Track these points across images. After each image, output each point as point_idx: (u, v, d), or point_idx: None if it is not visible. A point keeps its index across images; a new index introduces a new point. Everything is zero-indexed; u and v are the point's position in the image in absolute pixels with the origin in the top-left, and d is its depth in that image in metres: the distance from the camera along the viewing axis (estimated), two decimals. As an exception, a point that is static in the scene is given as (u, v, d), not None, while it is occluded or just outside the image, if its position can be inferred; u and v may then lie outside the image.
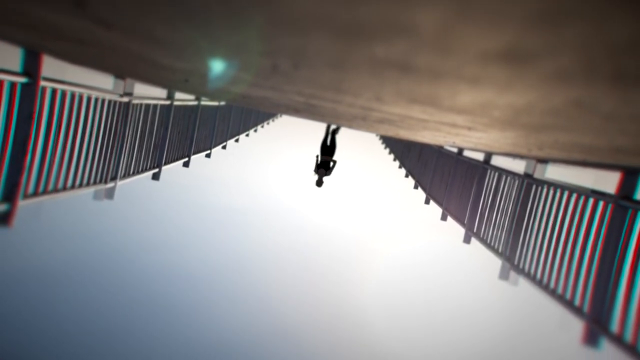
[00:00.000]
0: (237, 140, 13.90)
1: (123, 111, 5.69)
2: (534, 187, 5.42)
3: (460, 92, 1.32)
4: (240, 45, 1.31)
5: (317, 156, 8.76)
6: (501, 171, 6.44)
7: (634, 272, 3.72)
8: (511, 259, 5.51)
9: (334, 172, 8.83)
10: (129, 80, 5.50)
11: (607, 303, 3.88)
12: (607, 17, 0.65)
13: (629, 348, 3.56)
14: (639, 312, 3.58)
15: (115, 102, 5.45)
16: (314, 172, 8.69)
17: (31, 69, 3.95)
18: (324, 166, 8.64)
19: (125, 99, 5.62)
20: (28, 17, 1.69)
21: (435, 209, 9.35)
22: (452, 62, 0.99)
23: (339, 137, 9.11)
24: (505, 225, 5.92)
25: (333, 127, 9.02)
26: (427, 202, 10.28)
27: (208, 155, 10.65)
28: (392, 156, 16.32)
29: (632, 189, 3.92)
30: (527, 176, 5.58)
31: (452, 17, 0.73)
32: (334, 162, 8.77)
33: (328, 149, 8.85)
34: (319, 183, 8.63)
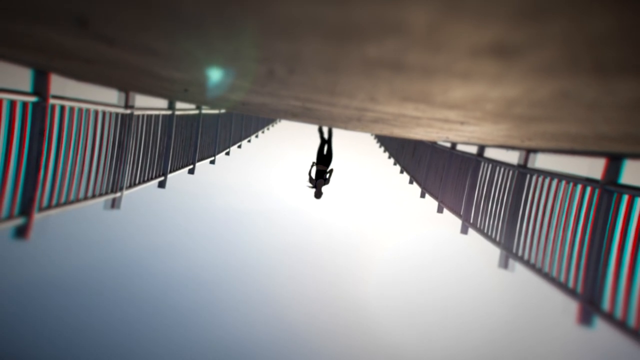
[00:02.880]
0: (239, 147, 13.90)
1: (127, 123, 5.69)
2: (527, 176, 5.42)
3: (452, 87, 1.32)
4: (236, 53, 1.31)
5: (312, 165, 7.97)
6: (494, 163, 6.43)
7: (621, 252, 3.73)
8: (509, 247, 5.51)
9: (331, 180, 8.03)
10: (131, 93, 5.51)
11: (598, 283, 3.89)
12: (585, 11, 0.65)
13: (620, 324, 3.57)
14: (627, 289, 3.59)
15: (118, 114, 5.45)
16: (310, 185, 7.82)
17: (40, 89, 3.96)
18: (321, 176, 7.84)
19: (128, 111, 5.62)
20: (36, 39, 1.69)
21: (431, 202, 9.35)
22: (443, 58, 0.98)
23: (334, 143, 8.39)
24: (501, 215, 5.92)
25: (326, 134, 8.38)
26: (422, 195, 10.27)
27: (212, 162, 10.64)
28: (387, 154, 16.32)
29: (617, 174, 3.93)
30: (520, 166, 5.58)
31: (441, 14, 0.73)
32: (331, 170, 7.97)
33: (324, 157, 8.08)
34: (318, 194, 7.75)
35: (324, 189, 7.85)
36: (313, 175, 7.92)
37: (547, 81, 1.07)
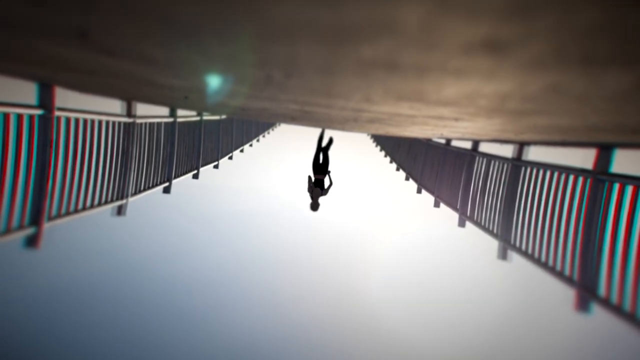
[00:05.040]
0: (242, 151, 13.89)
1: (130, 131, 5.69)
2: (522, 169, 5.40)
3: (446, 85, 1.31)
4: (234, 59, 1.30)
5: (310, 176, 7.30)
6: (489, 157, 6.42)
7: (614, 238, 3.73)
8: (507, 238, 5.50)
9: (329, 191, 7.25)
10: (133, 102, 5.51)
11: (594, 270, 3.89)
12: (570, 7, 0.65)
13: (616, 309, 3.57)
14: (621, 274, 3.59)
15: (121, 123, 5.45)
16: (308, 193, 7.13)
17: (46, 101, 3.96)
18: (319, 185, 7.16)
19: (130, 120, 5.63)
20: (39, 54, 1.69)
21: (427, 198, 9.34)
22: (436, 56, 0.98)
23: (331, 152, 7.69)
24: (498, 207, 5.91)
25: (324, 141, 7.88)
26: (419, 191, 10.26)
27: (216, 167, 10.62)
28: (383, 153, 16.31)
29: (607, 164, 3.92)
30: (514, 159, 5.57)
31: (433, 13, 0.72)
32: (330, 182, 7.31)
33: (321, 166, 7.45)
34: (315, 206, 6.94)
35: (321, 199, 7.14)
36: (312, 185, 7.28)
37: (537, 75, 1.07)
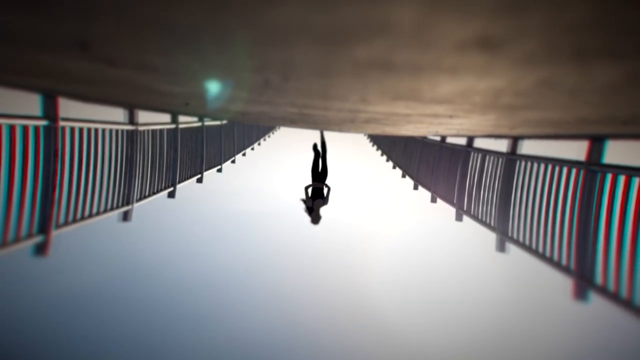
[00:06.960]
0: (244, 155, 13.88)
1: (133, 139, 5.69)
2: (517, 162, 5.40)
3: (440, 83, 1.30)
4: (232, 65, 1.29)
5: (307, 188, 6.52)
6: (484, 152, 6.41)
7: (608, 227, 3.72)
8: (504, 231, 5.49)
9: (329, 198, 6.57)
10: (135, 110, 5.51)
11: (590, 258, 3.88)
12: (563, 3, 0.65)
13: (613, 296, 3.57)
14: (617, 262, 3.58)
15: (124, 131, 5.45)
16: (306, 208, 6.33)
17: (50, 112, 3.96)
18: (318, 195, 6.48)
19: (133, 128, 5.62)
20: (42, 66, 1.69)
21: (424, 194, 9.33)
22: (430, 55, 0.97)
23: (327, 157, 7.21)
24: (494, 201, 5.90)
25: (319, 147, 7.44)
26: (415, 188, 10.26)
27: (219, 170, 10.61)
28: (379, 152, 16.31)
29: (600, 155, 3.92)
30: (509, 153, 5.56)
31: (426, 12, 0.72)
32: (328, 187, 6.66)
33: (320, 174, 6.90)
34: (317, 219, 6.22)
35: (323, 210, 6.47)
36: (310, 195, 6.58)
37: (530, 70, 1.07)
